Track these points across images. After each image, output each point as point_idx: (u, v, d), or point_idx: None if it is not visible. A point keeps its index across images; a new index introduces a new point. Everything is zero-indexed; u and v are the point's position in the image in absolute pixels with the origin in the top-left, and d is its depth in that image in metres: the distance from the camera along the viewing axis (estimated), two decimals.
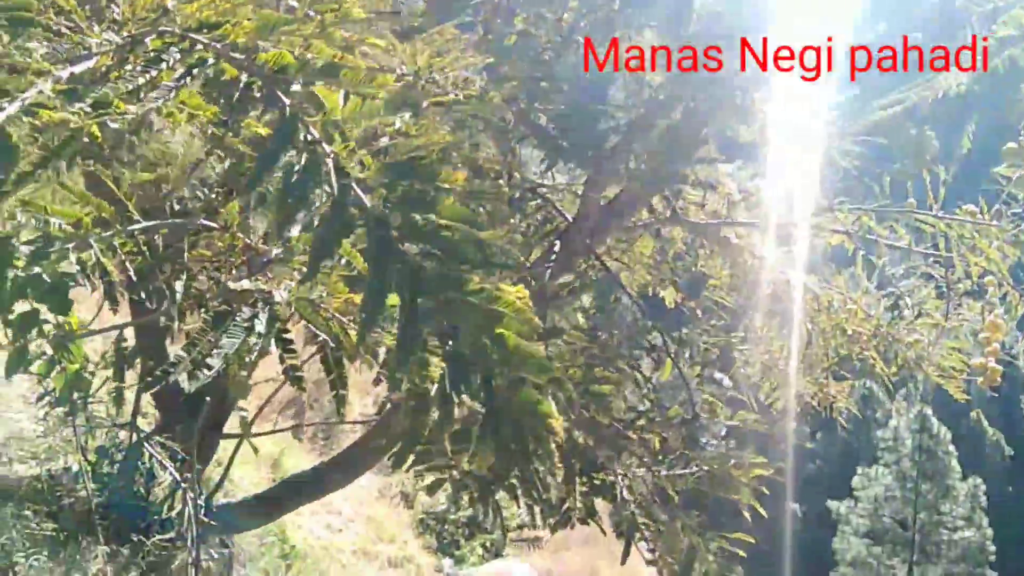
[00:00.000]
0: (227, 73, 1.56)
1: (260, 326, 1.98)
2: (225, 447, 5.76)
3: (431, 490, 3.62)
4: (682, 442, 3.82)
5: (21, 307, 3.54)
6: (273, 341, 2.07)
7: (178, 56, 1.55)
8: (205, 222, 2.28)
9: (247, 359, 2.07)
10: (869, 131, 3.67)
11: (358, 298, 2.05)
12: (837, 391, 5.80)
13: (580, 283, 4.47)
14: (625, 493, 3.65)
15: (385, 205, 1.44)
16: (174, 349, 5.81)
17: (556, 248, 4.50)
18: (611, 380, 3.55)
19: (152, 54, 1.53)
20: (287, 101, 1.50)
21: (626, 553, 3.78)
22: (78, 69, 1.39)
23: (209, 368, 1.94)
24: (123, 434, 5.30)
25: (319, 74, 1.54)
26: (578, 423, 3.53)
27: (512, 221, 4.45)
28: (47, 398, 4.65)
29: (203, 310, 2.15)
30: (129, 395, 5.42)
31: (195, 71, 1.55)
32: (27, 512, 4.80)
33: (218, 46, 1.57)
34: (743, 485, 3.67)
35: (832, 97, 3.81)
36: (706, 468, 3.70)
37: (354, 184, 1.44)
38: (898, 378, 5.47)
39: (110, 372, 4.96)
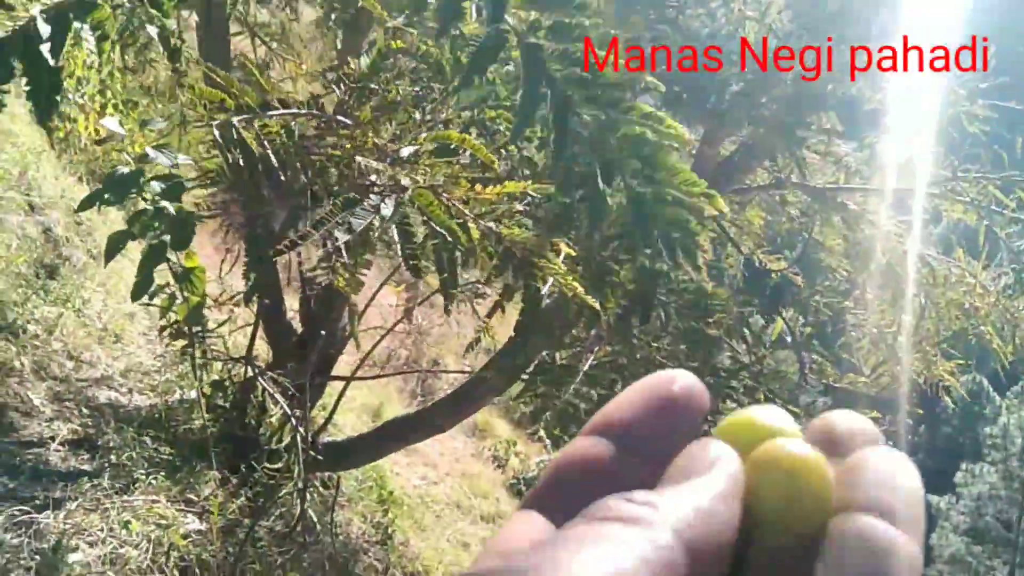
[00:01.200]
0: None
1: (387, 210, 2.04)
2: (329, 392, 5.95)
3: (535, 416, 3.67)
4: (788, 396, 3.78)
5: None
6: (395, 229, 2.12)
7: None
8: (340, 118, 2.35)
9: (369, 249, 2.14)
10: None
11: (480, 187, 2.09)
12: (947, 370, 5.63)
13: None
14: None
15: (533, 31, 1.49)
16: (288, 295, 6.01)
17: None
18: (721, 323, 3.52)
19: None
20: None
21: None
22: None
23: (336, 240, 2.01)
24: (237, 370, 5.52)
25: None
26: (682, 368, 3.52)
27: None
28: (168, 331, 4.88)
29: (333, 198, 2.21)
30: (242, 336, 5.64)
31: None
32: (145, 438, 5.03)
33: None
34: None
35: None
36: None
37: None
38: (1011, 368, 5.28)
39: (225, 313, 5.19)
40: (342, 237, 1.98)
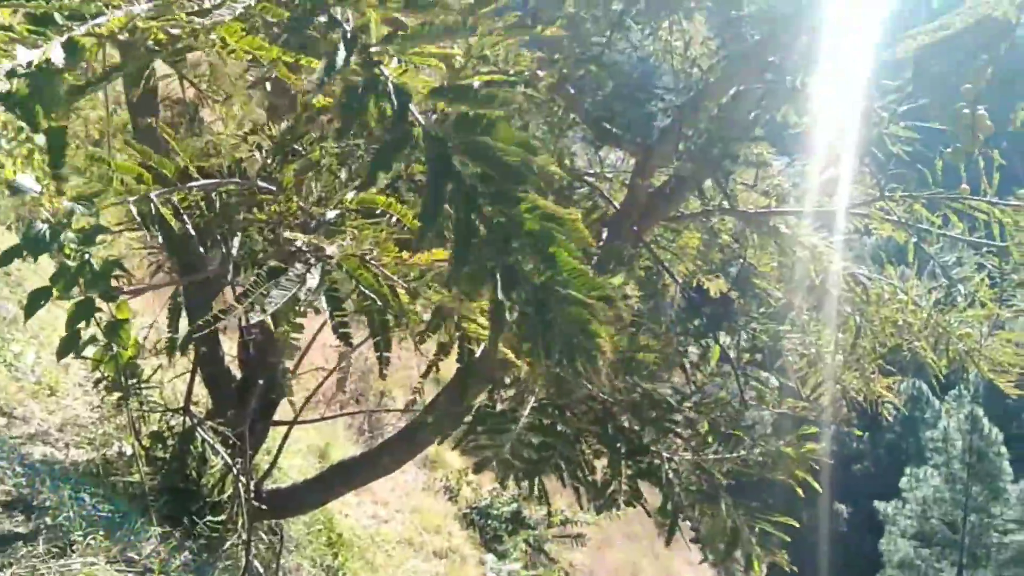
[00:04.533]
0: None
1: (312, 280, 2.01)
2: (274, 436, 5.85)
3: (478, 469, 3.64)
4: (729, 424, 3.80)
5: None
6: (323, 298, 2.10)
7: None
8: (262, 184, 2.32)
9: (298, 313, 2.11)
10: (903, 64, 3.57)
11: (407, 255, 2.07)
12: (884, 386, 5.71)
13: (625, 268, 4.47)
14: (670, 476, 3.64)
15: (442, 125, 1.46)
16: (225, 340, 5.92)
17: (603, 236, 4.51)
18: (654, 348, 3.54)
19: None
20: (348, 26, 1.51)
21: (671, 534, 3.77)
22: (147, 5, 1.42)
23: (261, 312, 1.98)
24: (176, 419, 5.41)
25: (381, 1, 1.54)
26: (622, 405, 3.54)
27: None
28: (103, 383, 4.76)
29: (257, 267, 2.18)
30: (182, 382, 5.54)
31: None
32: (83, 495, 4.90)
33: None
34: (796, 462, 3.64)
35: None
36: (756, 449, 3.67)
37: (412, 103, 1.46)
38: (949, 373, 5.38)
39: (162, 360, 5.08)
40: (267, 312, 1.95)
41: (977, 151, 3.42)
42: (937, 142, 4.24)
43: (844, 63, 3.81)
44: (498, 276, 1.47)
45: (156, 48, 1.43)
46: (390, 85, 1.48)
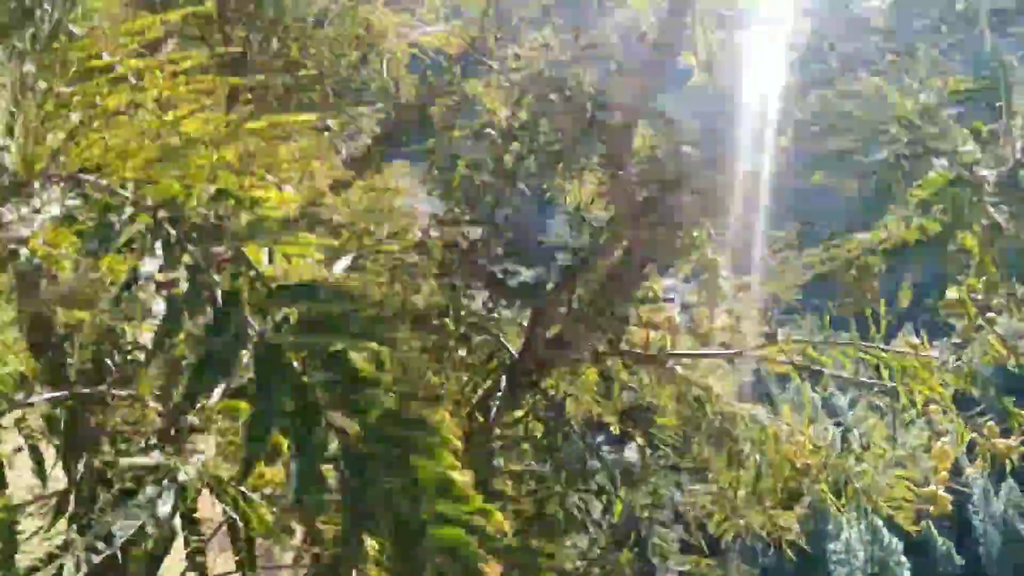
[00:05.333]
0: (107, 206, 1.41)
1: (164, 507, 1.86)
2: None
3: None
4: None
5: None
6: (179, 522, 1.94)
7: (57, 195, 1.42)
8: (114, 391, 2.17)
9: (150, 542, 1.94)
10: (807, 282, 3.69)
11: (268, 472, 1.94)
12: (787, 522, 5.70)
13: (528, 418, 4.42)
14: None
15: (276, 330, 1.28)
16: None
17: (502, 383, 4.45)
18: (554, 552, 3.42)
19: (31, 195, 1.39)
20: (173, 231, 1.36)
21: None
22: None
23: (99, 552, 1.81)
24: None
25: (212, 199, 1.41)
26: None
27: (458, 356, 4.41)
28: None
29: (108, 487, 2.02)
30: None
31: (71, 201, 1.41)
32: None
33: (103, 182, 1.44)
34: None
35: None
36: None
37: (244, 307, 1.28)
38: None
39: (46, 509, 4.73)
40: (110, 549, 1.79)
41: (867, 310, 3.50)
42: (827, 290, 4.35)
43: (733, 217, 3.89)
44: (345, 504, 1.24)
45: None
46: (216, 292, 1.32)
